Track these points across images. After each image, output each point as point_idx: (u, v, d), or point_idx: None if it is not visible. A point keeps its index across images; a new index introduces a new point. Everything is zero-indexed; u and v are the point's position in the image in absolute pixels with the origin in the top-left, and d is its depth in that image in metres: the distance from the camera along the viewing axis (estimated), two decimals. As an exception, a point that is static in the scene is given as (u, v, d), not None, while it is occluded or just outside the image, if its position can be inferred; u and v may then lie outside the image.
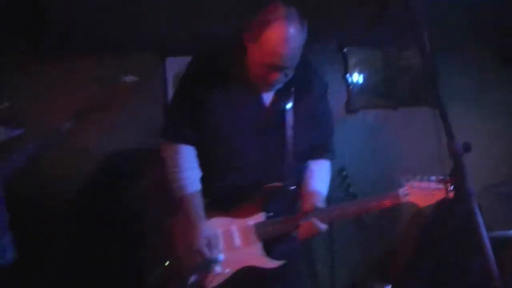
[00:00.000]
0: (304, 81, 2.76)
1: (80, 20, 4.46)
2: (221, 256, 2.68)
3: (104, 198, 4.44)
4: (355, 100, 5.28)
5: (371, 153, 5.11)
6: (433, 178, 2.63)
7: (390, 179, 5.03)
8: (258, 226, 2.69)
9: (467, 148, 1.74)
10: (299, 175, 2.84)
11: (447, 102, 5.66)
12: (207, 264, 2.65)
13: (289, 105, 2.70)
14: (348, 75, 5.31)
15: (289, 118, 2.70)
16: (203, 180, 2.73)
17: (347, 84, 5.30)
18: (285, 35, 2.45)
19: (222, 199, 2.72)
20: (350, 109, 5.24)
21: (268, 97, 2.73)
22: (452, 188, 1.73)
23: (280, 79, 2.60)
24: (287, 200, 2.78)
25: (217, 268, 2.66)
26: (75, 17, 4.41)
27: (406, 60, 5.36)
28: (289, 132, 2.70)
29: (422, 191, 2.60)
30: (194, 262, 2.64)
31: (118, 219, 4.36)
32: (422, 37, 1.92)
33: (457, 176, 1.68)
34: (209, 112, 2.68)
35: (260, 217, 2.70)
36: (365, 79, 5.33)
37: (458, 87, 5.30)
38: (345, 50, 5.31)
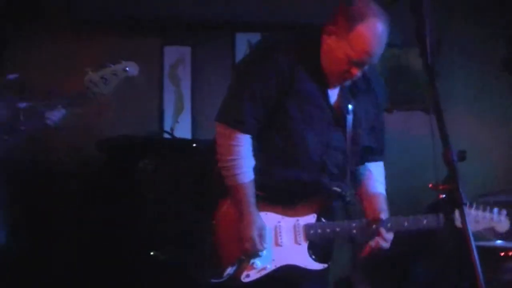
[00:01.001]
0: (367, 82, 2.73)
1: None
2: (267, 252, 2.62)
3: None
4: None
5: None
6: (495, 210, 2.65)
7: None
8: (308, 226, 2.64)
9: (462, 156, 1.74)
10: (356, 178, 2.83)
11: (445, 106, 5.65)
12: (253, 255, 2.60)
13: (351, 105, 2.66)
14: (346, 75, 5.30)
15: (350, 118, 2.65)
16: (260, 172, 2.63)
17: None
18: (378, 32, 2.44)
19: (276, 194, 2.65)
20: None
21: (333, 94, 2.67)
22: (444, 195, 1.73)
23: (357, 75, 2.56)
24: (342, 209, 2.75)
25: (259, 263, 2.61)
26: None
27: (407, 61, 5.35)
28: (350, 133, 2.66)
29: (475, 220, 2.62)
30: (242, 250, 2.58)
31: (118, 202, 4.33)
32: (425, 39, 1.89)
33: (451, 184, 1.68)
34: (275, 103, 2.58)
35: (311, 218, 2.66)
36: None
37: (457, 91, 5.31)
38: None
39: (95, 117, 4.47)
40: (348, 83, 2.61)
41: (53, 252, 4.43)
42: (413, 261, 4.67)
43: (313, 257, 2.65)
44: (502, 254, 4.22)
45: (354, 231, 2.63)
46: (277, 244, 2.63)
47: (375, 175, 2.85)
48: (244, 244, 2.57)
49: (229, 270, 2.61)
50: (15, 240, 3.35)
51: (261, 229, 2.58)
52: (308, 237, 2.63)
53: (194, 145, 4.52)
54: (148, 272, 4.06)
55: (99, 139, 4.38)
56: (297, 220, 2.64)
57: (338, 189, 2.68)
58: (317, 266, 2.66)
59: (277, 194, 2.65)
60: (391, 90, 5.35)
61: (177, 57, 5.06)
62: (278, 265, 2.63)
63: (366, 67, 2.54)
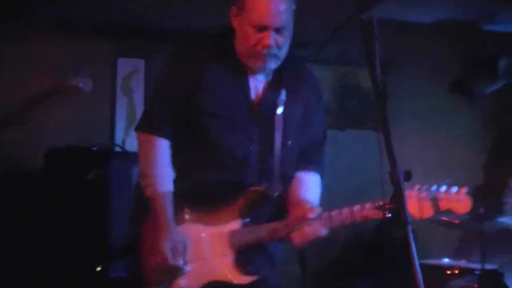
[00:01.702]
0: (298, 77, 2.59)
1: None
2: (187, 267, 2.42)
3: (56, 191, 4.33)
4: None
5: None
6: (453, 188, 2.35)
7: (328, 200, 5.12)
8: (233, 234, 2.43)
9: (408, 176, 1.75)
10: (285, 183, 2.55)
11: (393, 125, 5.71)
12: (169, 272, 2.40)
13: (278, 100, 2.49)
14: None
15: (278, 115, 2.49)
16: (179, 177, 2.49)
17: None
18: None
19: (198, 200, 2.47)
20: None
21: (256, 87, 2.51)
22: (389, 214, 1.74)
23: (272, 44, 2.38)
24: (269, 208, 2.49)
25: (182, 281, 2.41)
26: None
27: (358, 80, 5.42)
28: (278, 130, 2.48)
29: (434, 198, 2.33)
30: (155, 266, 2.40)
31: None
32: (374, 58, 1.90)
33: (396, 203, 1.70)
34: (191, 103, 2.46)
35: (236, 224, 2.43)
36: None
37: (405, 111, 5.41)
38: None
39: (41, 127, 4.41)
40: (269, 64, 2.45)
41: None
42: (361, 277, 4.70)
43: (241, 269, 2.43)
44: (448, 272, 4.28)
45: (282, 232, 2.40)
46: (200, 257, 2.44)
47: (307, 184, 2.60)
48: (155, 258, 2.40)
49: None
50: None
51: (176, 243, 2.40)
52: (233, 246, 2.42)
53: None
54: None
55: (48, 149, 4.31)
56: (221, 228, 2.44)
57: (263, 187, 2.45)
58: (245, 279, 2.43)
59: (199, 200, 2.47)
60: (342, 108, 5.42)
61: (130, 69, 5.03)
62: (202, 282, 2.43)
63: (280, 38, 2.39)
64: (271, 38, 2.38)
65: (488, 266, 4.14)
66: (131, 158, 4.55)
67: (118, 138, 4.92)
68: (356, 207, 2.37)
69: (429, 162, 5.27)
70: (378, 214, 2.24)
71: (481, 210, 4.04)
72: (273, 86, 2.52)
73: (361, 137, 5.25)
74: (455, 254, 4.82)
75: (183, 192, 2.47)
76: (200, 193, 2.47)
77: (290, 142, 2.53)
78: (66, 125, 4.59)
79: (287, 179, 2.57)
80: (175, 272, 2.41)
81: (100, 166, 4.20)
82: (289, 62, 2.52)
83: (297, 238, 2.40)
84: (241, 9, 2.41)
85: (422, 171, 4.83)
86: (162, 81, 2.60)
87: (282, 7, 2.38)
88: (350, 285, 4.73)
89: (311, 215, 2.37)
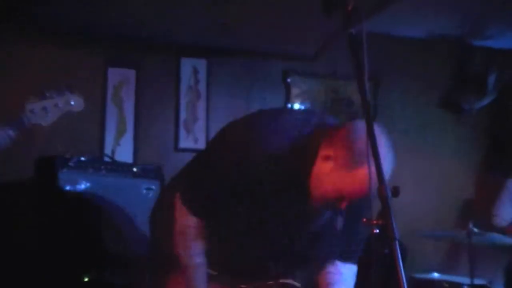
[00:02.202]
0: None
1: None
2: None
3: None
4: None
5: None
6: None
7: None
8: None
9: (396, 192, 1.74)
10: (315, 274, 2.49)
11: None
12: None
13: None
14: (289, 105, 5.34)
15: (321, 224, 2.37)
16: (214, 251, 2.39)
17: (288, 114, 5.32)
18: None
19: (228, 275, 2.43)
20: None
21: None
22: (377, 230, 1.73)
23: (342, 208, 2.22)
24: None
25: None
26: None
27: (349, 94, 5.44)
28: (319, 230, 2.37)
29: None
30: None
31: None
32: (362, 73, 1.89)
33: (383, 219, 1.69)
34: (241, 192, 2.24)
35: None
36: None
37: (394, 125, 5.42)
38: (288, 80, 5.35)
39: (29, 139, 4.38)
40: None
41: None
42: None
43: None
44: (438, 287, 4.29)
45: None
46: None
47: (345, 279, 2.48)
48: None
49: None
50: None
51: None
52: None
53: (135, 169, 4.48)
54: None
55: (36, 159, 4.29)
56: None
57: (293, 282, 2.46)
58: None
59: (229, 272, 2.43)
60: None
61: (121, 78, 5.02)
62: None
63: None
64: (342, 205, 2.21)
65: (477, 281, 4.14)
66: (120, 168, 4.57)
67: (108, 148, 4.91)
68: None
69: (418, 176, 5.29)
70: None
71: (470, 225, 4.06)
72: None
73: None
74: (444, 269, 4.83)
75: (217, 265, 2.41)
76: (233, 271, 2.43)
77: (332, 242, 2.43)
78: (56, 135, 4.57)
79: (319, 271, 2.51)
80: None
81: (91, 176, 4.19)
82: None
83: None
84: (342, 167, 2.12)
85: (412, 186, 4.89)
86: (217, 164, 2.30)
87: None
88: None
89: None
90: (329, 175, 2.15)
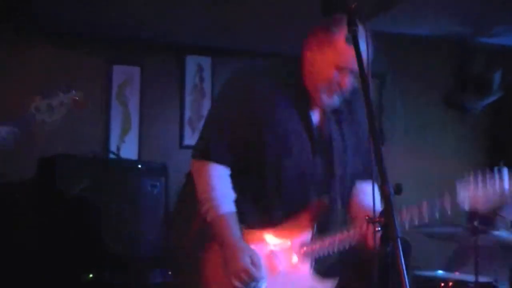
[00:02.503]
0: (350, 110, 2.55)
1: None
2: (267, 283, 2.36)
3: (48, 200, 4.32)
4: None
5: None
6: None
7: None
8: (304, 245, 2.41)
9: (398, 190, 1.75)
10: (347, 196, 2.57)
11: (387, 138, 5.72)
12: (255, 285, 2.32)
13: (334, 129, 2.49)
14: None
15: (337, 140, 2.49)
16: (242, 206, 2.43)
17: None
18: (364, 35, 2.21)
19: (260, 224, 2.43)
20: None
21: (315, 117, 2.49)
22: (379, 228, 1.73)
23: (349, 86, 2.39)
24: (334, 220, 2.50)
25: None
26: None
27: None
28: (337, 155, 2.48)
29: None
30: (240, 283, 2.31)
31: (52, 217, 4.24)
32: (365, 74, 1.90)
33: (386, 217, 1.69)
34: (254, 134, 2.41)
35: (306, 235, 2.42)
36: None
37: (400, 124, 5.41)
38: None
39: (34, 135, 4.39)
40: (336, 101, 2.44)
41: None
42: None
43: (320, 275, 2.42)
44: (442, 284, 4.27)
45: (355, 238, 2.35)
46: (275, 272, 2.40)
47: (368, 192, 2.50)
48: (239, 278, 2.31)
49: None
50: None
51: (253, 256, 2.34)
52: (308, 256, 2.40)
53: (140, 166, 4.49)
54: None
55: (40, 158, 4.30)
56: (292, 241, 2.42)
57: (326, 200, 2.45)
58: (327, 284, 2.42)
59: (262, 222, 2.44)
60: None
61: (125, 76, 5.03)
62: None
63: (353, 80, 2.38)
64: (349, 80, 2.38)
65: (482, 279, 4.13)
66: (125, 165, 4.59)
67: (113, 146, 4.92)
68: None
69: (421, 175, 5.28)
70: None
71: (475, 223, 4.05)
72: (329, 118, 2.51)
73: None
74: (449, 267, 4.81)
75: (243, 214, 2.43)
76: (261, 214, 2.45)
77: (347, 167, 2.53)
78: (60, 133, 4.58)
79: (348, 197, 2.59)
80: (259, 283, 2.35)
81: (93, 174, 4.20)
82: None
83: (370, 240, 2.31)
84: (324, 46, 2.37)
85: (414, 185, 4.87)
86: (224, 107, 2.50)
87: (367, 56, 2.24)
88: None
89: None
90: (320, 56, 2.37)
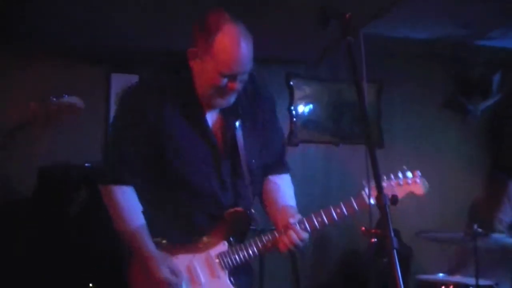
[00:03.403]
0: (250, 96, 2.59)
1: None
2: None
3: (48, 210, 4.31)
4: (298, 133, 5.31)
5: (309, 187, 5.09)
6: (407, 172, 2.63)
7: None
8: (221, 256, 2.48)
9: (394, 201, 1.75)
10: (256, 192, 2.63)
11: (387, 142, 5.72)
12: None
13: (236, 126, 2.51)
14: (293, 107, 5.34)
15: (239, 137, 2.52)
16: (154, 219, 2.49)
17: (291, 117, 5.32)
18: (238, 37, 2.31)
19: (177, 237, 2.50)
20: (292, 142, 5.26)
21: (212, 118, 2.53)
22: (375, 240, 1.73)
23: (237, 88, 2.41)
24: (247, 224, 2.56)
25: None
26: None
27: (352, 96, 5.43)
28: (242, 152, 2.51)
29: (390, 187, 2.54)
30: None
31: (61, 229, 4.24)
32: (358, 74, 1.90)
33: (382, 228, 1.69)
34: (152, 144, 2.45)
35: (223, 246, 2.49)
36: (310, 113, 5.37)
37: (398, 129, 5.41)
38: (291, 83, 5.35)
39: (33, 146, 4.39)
40: (231, 100, 2.47)
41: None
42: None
43: (236, 285, 2.50)
44: (443, 287, 4.28)
45: (269, 245, 2.48)
46: (196, 284, 2.48)
47: (283, 188, 2.68)
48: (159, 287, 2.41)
49: None
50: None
51: (170, 265, 2.43)
52: (224, 266, 2.48)
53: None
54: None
55: (40, 168, 4.30)
56: (209, 253, 2.49)
57: (239, 209, 2.52)
58: None
59: (179, 234, 2.50)
60: (336, 124, 5.42)
61: (124, 85, 5.01)
62: None
63: (244, 78, 2.41)
64: (237, 83, 2.40)
65: (482, 282, 4.14)
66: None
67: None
68: (333, 207, 2.52)
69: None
70: (351, 209, 2.49)
71: (475, 227, 4.06)
72: (228, 115, 2.53)
73: (355, 152, 5.24)
74: (450, 270, 4.82)
75: (159, 228, 2.49)
76: (180, 231, 2.50)
77: (254, 161, 2.57)
78: (60, 143, 4.58)
79: (259, 193, 2.68)
80: None
81: (92, 184, 4.19)
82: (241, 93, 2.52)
83: (282, 244, 2.48)
84: (205, 54, 2.37)
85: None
86: (118, 129, 2.54)
87: (250, 53, 2.38)
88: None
89: (293, 221, 2.47)
90: (202, 65, 2.38)
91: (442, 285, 4.30)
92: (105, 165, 2.57)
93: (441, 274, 4.55)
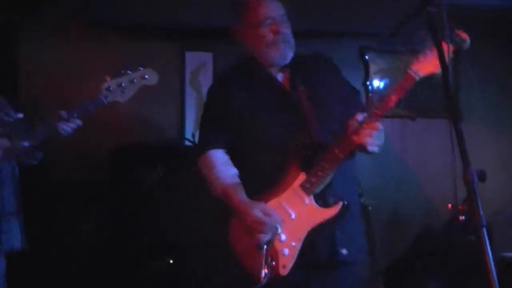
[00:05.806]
0: (307, 63, 2.82)
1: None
2: (286, 230, 2.56)
3: (113, 192, 4.41)
4: (373, 107, 5.24)
5: (384, 163, 5.02)
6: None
7: (400, 190, 5.03)
8: (303, 184, 2.57)
9: (482, 177, 1.69)
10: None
11: (466, 117, 5.53)
12: (272, 231, 2.53)
13: (301, 85, 2.71)
14: (368, 82, 5.27)
15: (306, 95, 2.69)
16: (243, 182, 2.69)
17: (367, 91, 5.25)
18: None
19: (259, 184, 2.64)
20: (368, 116, 5.19)
21: (279, 77, 2.78)
22: (464, 217, 1.69)
23: (281, 30, 2.68)
24: (318, 152, 2.62)
25: (282, 236, 2.54)
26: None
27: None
28: (309, 110, 2.66)
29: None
30: (258, 237, 2.53)
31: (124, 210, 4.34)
32: (440, 46, 1.85)
33: (470, 206, 1.64)
34: (233, 112, 2.74)
35: (301, 176, 2.59)
36: (385, 87, 5.28)
37: (476, 104, 5.24)
38: (366, 57, 5.27)
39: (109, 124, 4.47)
40: (286, 51, 2.70)
41: (61, 258, 4.45)
42: (427, 276, 4.62)
43: (326, 205, 2.59)
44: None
45: (340, 150, 2.55)
46: (289, 220, 2.58)
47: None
48: (256, 229, 2.53)
49: (263, 274, 2.53)
50: (30, 245, 3.35)
51: (263, 207, 2.55)
52: (309, 192, 2.57)
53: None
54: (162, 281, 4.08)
55: (116, 148, 4.39)
56: (291, 189, 2.59)
57: (307, 139, 2.62)
58: (335, 209, 2.58)
59: (261, 185, 2.64)
60: (412, 97, 5.29)
61: (198, 63, 5.06)
62: (301, 237, 2.56)
63: (284, 20, 2.69)
64: (278, 25, 2.68)
65: None
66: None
67: (188, 132, 4.97)
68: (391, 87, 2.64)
69: (502, 156, 5.12)
70: (410, 81, 2.68)
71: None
72: (293, 76, 2.74)
73: (432, 126, 5.13)
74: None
75: (247, 188, 2.66)
76: (260, 179, 2.66)
77: (325, 116, 2.68)
78: (135, 122, 4.66)
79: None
80: (275, 228, 2.54)
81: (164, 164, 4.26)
82: (299, 57, 2.79)
83: (360, 138, 2.58)
84: (241, 21, 2.75)
85: (498, 169, 4.73)
86: (206, 106, 2.90)
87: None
88: (419, 284, 4.66)
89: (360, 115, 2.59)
90: (245, 32, 2.73)
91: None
92: (198, 138, 2.88)
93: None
